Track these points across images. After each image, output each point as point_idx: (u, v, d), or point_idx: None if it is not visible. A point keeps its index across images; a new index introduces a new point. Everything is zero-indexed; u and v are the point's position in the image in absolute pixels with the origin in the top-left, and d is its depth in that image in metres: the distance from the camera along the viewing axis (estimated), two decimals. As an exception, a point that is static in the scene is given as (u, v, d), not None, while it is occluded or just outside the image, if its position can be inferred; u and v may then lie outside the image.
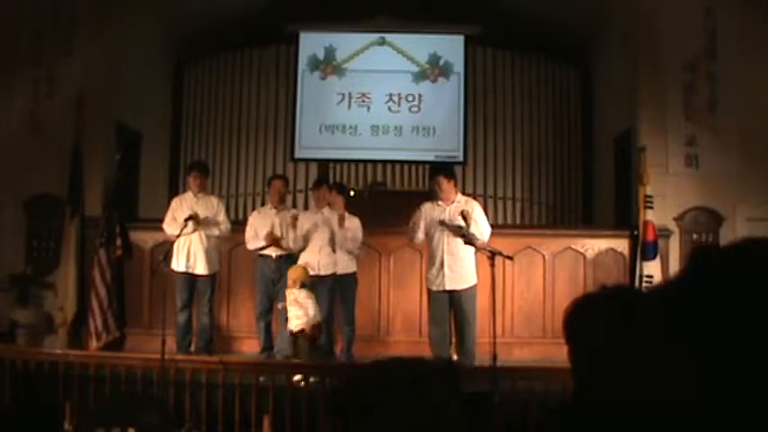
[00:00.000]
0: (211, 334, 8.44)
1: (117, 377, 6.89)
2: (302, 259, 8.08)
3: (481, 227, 7.57)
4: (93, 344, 8.39)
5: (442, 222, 7.60)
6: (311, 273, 7.91)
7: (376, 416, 1.44)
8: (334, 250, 8.07)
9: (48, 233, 9.18)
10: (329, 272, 8.06)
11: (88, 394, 6.75)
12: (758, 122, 9.11)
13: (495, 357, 6.68)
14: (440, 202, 7.75)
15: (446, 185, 7.71)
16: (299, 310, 7.51)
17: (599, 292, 1.72)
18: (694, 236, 9.08)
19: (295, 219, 8.26)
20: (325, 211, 8.25)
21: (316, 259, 8.06)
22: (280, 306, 7.86)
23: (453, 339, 7.70)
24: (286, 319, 7.68)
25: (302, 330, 7.50)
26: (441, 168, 8.50)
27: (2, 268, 9.05)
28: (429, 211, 7.76)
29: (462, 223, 7.46)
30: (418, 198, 8.31)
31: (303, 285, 7.57)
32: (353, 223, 8.24)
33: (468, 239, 7.33)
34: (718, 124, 9.18)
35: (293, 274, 7.66)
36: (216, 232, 8.38)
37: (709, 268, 1.17)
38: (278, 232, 8.26)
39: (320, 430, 6.42)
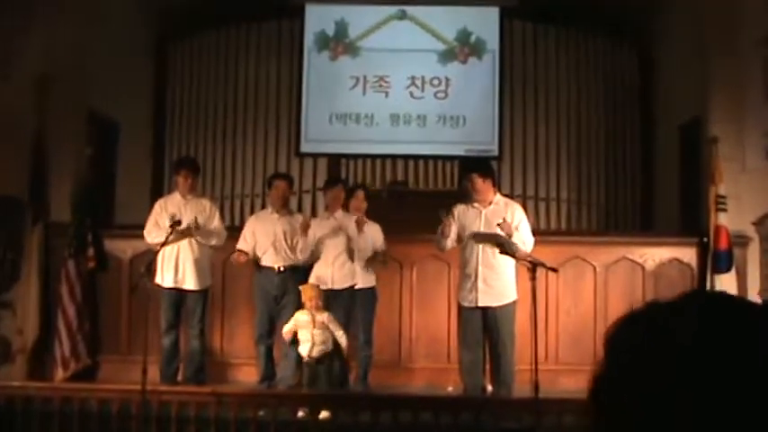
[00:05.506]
0: (202, 360, 8.38)
1: (88, 414, 6.92)
2: (314, 273, 8.04)
3: (523, 235, 7.57)
4: (60, 374, 8.38)
5: (477, 236, 7.54)
6: (323, 288, 7.87)
7: None
8: (351, 260, 8.02)
9: (5, 242, 9.09)
10: (345, 285, 8.00)
11: (52, 435, 6.75)
12: None
13: (537, 387, 6.62)
14: (475, 204, 7.70)
15: (481, 185, 7.68)
16: (324, 335, 7.51)
17: (645, 306, 1.57)
18: (776, 243, 8.96)
19: (307, 226, 8.15)
20: (338, 214, 8.19)
21: (328, 272, 8.00)
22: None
23: (488, 366, 7.64)
24: (294, 342, 7.63)
25: (323, 358, 7.50)
26: (475, 165, 8.40)
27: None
28: (462, 215, 7.72)
29: (500, 232, 7.40)
30: (445, 200, 8.27)
31: (319, 306, 7.58)
32: (372, 230, 8.15)
33: (505, 249, 7.26)
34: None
35: (309, 292, 7.64)
36: (213, 241, 8.37)
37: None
38: (281, 240, 8.20)
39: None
